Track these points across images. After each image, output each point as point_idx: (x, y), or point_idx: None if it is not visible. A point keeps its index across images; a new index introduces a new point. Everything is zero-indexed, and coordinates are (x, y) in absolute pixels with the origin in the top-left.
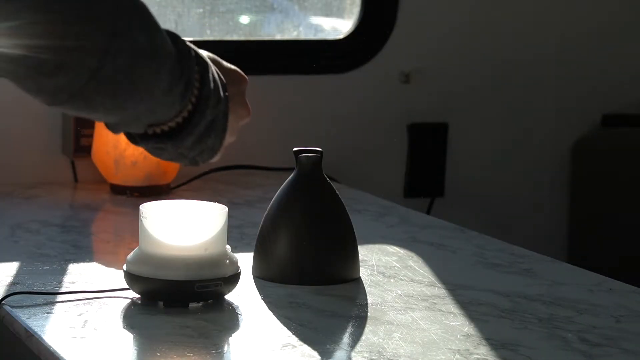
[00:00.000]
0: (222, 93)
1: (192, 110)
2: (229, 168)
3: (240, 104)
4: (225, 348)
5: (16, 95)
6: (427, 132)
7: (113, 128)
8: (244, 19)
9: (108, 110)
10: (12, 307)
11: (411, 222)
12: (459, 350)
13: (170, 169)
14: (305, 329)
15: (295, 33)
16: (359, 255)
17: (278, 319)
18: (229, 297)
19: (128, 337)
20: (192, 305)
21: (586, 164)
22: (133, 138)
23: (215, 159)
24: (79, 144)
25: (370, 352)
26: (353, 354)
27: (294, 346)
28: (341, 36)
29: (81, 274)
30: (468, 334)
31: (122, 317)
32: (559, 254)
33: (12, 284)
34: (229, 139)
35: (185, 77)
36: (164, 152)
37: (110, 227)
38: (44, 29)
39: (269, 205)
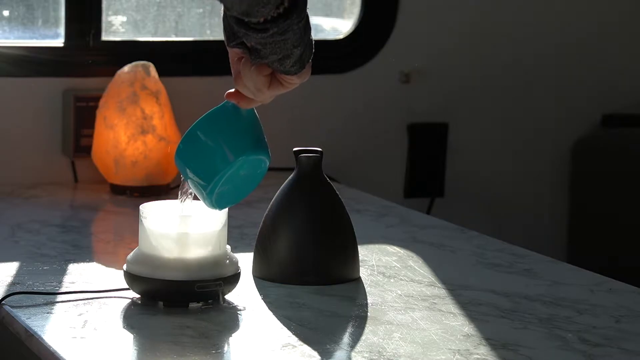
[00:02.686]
0: None
1: None
2: None
3: None
4: (225, 348)
5: (16, 95)
6: (427, 132)
7: (257, 6)
8: None
9: None
10: (12, 307)
11: (411, 222)
12: (459, 350)
13: (170, 168)
14: (305, 329)
15: None
16: (359, 255)
17: (278, 319)
18: (229, 297)
19: (128, 337)
20: (192, 305)
21: (586, 164)
22: (261, 29)
23: (306, 78)
24: (79, 144)
25: (370, 352)
26: (353, 354)
27: (294, 346)
28: (341, 36)
29: (81, 274)
30: (468, 334)
31: (122, 317)
32: (559, 254)
33: (12, 284)
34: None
35: None
36: (288, 37)
37: (110, 227)
38: None
39: (269, 205)
